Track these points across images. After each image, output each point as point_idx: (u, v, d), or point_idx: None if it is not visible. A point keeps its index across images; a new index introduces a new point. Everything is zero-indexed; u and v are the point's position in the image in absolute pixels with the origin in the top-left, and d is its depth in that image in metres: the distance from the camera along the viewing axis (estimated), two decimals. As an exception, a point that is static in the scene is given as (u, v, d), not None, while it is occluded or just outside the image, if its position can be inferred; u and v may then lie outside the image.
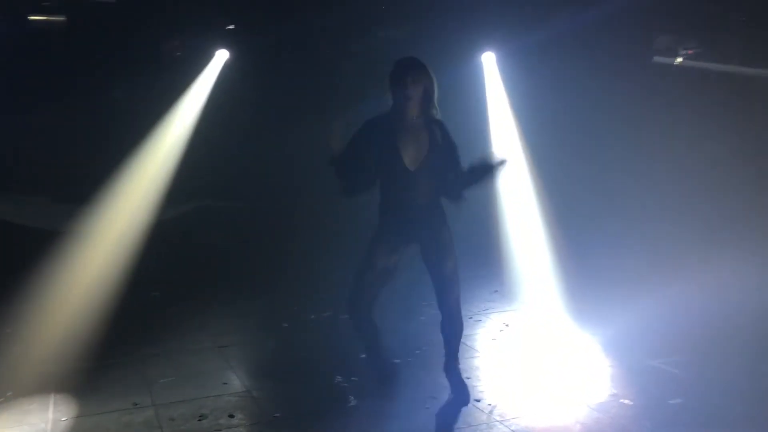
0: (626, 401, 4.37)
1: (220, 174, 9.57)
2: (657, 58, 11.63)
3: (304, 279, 7.83)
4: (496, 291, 7.03)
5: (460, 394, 4.35)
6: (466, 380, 4.74)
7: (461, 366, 4.52)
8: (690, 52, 11.43)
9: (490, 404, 4.37)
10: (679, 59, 11.49)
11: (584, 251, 7.48)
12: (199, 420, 4.23)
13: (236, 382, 4.86)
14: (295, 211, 10.08)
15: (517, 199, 8.80)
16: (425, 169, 4.11)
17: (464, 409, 4.29)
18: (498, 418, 4.17)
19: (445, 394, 4.45)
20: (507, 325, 5.93)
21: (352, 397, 4.51)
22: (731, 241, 8.42)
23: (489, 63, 10.43)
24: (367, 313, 4.35)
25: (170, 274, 7.78)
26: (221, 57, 9.84)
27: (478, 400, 4.42)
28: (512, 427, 4.05)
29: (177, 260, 8.30)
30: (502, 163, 4.11)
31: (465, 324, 5.86)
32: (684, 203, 10.20)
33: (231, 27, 9.29)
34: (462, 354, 5.23)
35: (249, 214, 10.08)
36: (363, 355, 4.67)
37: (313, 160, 9.98)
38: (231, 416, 4.28)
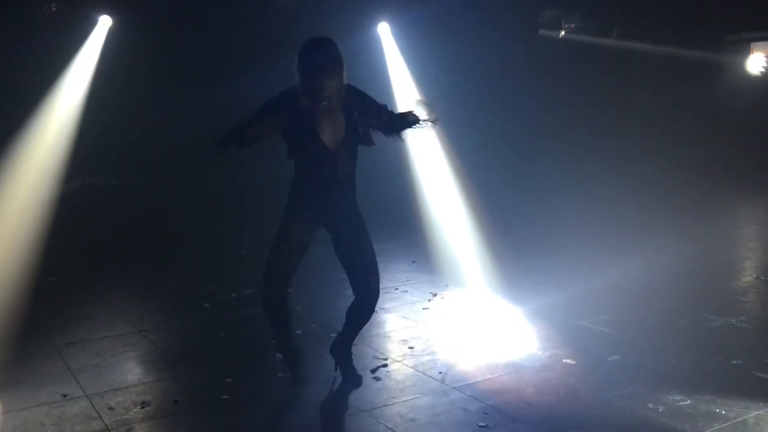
0: (569, 361, 4.50)
1: (106, 151, 9.06)
2: (543, 31, 12.05)
3: (206, 259, 7.59)
4: (413, 262, 7.06)
5: (354, 377, 4.23)
6: (409, 350, 4.76)
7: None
8: (572, 26, 11.91)
9: (440, 372, 4.37)
10: (563, 32, 11.95)
11: (497, 219, 7.67)
12: (142, 407, 3.97)
13: (171, 366, 4.60)
14: (188, 189, 9.74)
15: (429, 169, 8.90)
16: (344, 149, 3.95)
17: (416, 378, 4.27)
18: (452, 385, 4.18)
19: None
20: (434, 295, 5.96)
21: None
22: (626, 208, 8.94)
23: (385, 33, 10.44)
24: (283, 289, 4.09)
25: (66, 257, 7.32)
26: (104, 24, 9.26)
27: (430, 369, 4.42)
28: (467, 392, 4.07)
29: (69, 242, 7.83)
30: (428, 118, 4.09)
31: (392, 295, 5.99)
32: (581, 168, 10.76)
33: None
34: (400, 324, 5.26)
35: (138, 192, 9.64)
36: (273, 341, 4.45)
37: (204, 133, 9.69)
38: (176, 401, 4.04)
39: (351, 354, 4.27)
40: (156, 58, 9.37)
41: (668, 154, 11.75)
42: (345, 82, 3.92)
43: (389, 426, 3.69)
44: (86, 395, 4.13)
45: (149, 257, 7.75)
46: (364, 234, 4.06)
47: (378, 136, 4.11)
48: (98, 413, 3.89)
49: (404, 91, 9.55)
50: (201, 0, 9.67)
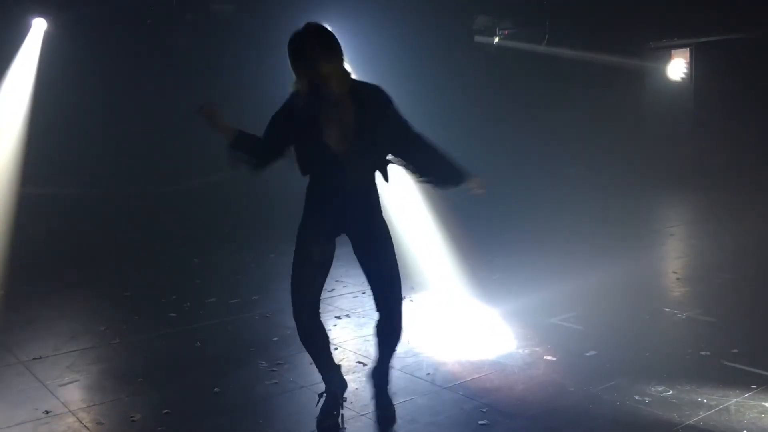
0: (549, 357, 4.63)
1: (47, 159, 8.73)
2: (477, 38, 12.31)
3: (158, 268, 7.44)
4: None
5: (386, 409, 3.84)
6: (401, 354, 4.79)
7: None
8: (506, 32, 12.22)
9: (428, 373, 4.42)
10: (497, 39, 12.25)
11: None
12: (133, 420, 3.86)
13: (152, 377, 4.48)
14: (130, 197, 9.49)
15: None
16: (354, 152, 3.48)
17: (406, 380, 4.31)
18: (442, 385, 4.24)
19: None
20: (411, 300, 5.99)
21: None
22: (564, 212, 9.26)
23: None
24: (315, 316, 3.68)
25: (9, 270, 7.03)
26: (39, 26, 8.95)
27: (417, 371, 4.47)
28: (460, 392, 4.14)
29: (9, 253, 7.52)
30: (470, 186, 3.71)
31: (363, 299, 6.00)
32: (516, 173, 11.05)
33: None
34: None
35: (77, 200, 9.31)
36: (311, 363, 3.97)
37: (154, 140, 9.46)
38: (167, 413, 3.95)
39: (388, 381, 3.87)
40: (93, 61, 9.09)
41: (597, 157, 12.23)
42: (348, 70, 3.42)
43: (392, 428, 3.72)
44: (70, 411, 3.98)
45: (98, 267, 7.51)
46: (385, 246, 3.64)
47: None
48: (88, 429, 3.77)
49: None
50: (138, 2, 9.45)
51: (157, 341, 5.20)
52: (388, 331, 3.76)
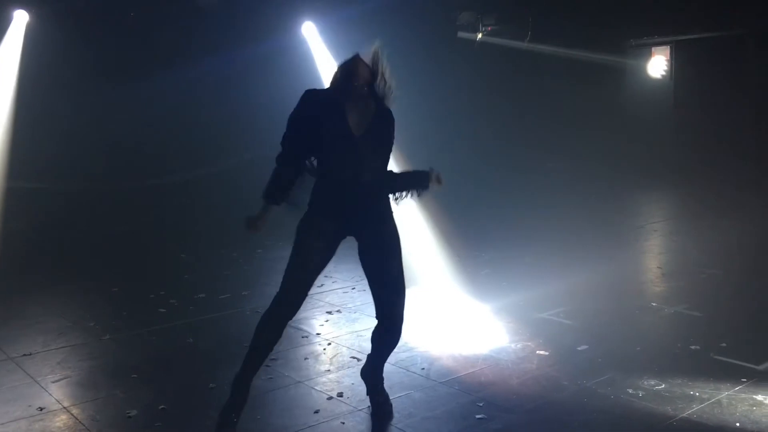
0: (542, 352, 4.68)
1: (32, 153, 8.63)
2: (461, 34, 12.36)
3: (145, 264, 7.39)
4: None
5: (384, 404, 3.86)
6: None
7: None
8: (489, 28, 12.27)
9: (423, 368, 4.45)
10: (480, 35, 12.30)
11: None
12: (129, 417, 3.84)
13: (145, 373, 4.46)
14: (113, 191, 9.43)
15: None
16: (371, 137, 3.55)
17: (401, 375, 4.33)
18: (438, 380, 4.26)
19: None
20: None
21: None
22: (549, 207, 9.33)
23: (311, 33, 10.45)
24: (290, 317, 3.60)
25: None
26: (21, 19, 8.84)
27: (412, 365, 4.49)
28: (455, 386, 4.16)
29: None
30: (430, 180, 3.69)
31: (354, 294, 6.02)
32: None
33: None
34: (370, 323, 5.28)
35: (60, 194, 9.23)
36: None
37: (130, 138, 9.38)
38: (163, 409, 3.93)
39: (382, 379, 3.89)
40: (76, 54, 8.99)
41: (579, 153, 12.34)
42: (387, 80, 3.58)
43: (390, 422, 3.74)
44: (64, 408, 3.95)
45: (84, 262, 7.45)
46: (395, 253, 3.58)
47: None
48: (84, 425, 3.74)
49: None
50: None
51: (148, 337, 5.16)
52: (389, 339, 3.74)
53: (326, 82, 9.51)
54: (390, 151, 3.67)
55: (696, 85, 12.80)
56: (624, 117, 13.55)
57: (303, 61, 10.25)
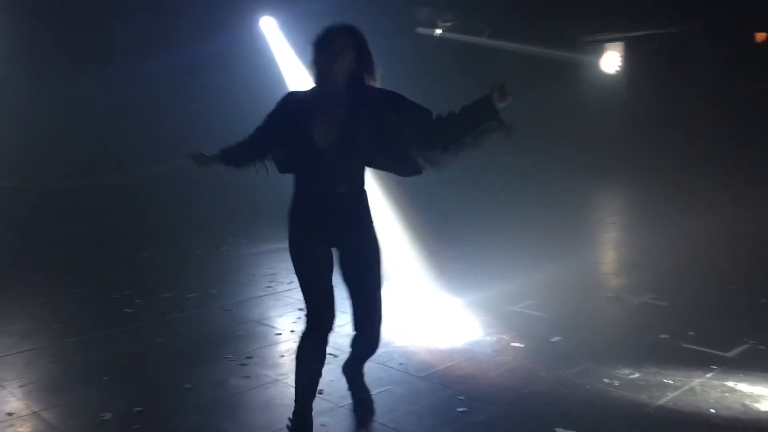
0: (516, 344, 4.72)
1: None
2: (419, 30, 12.39)
3: (106, 263, 7.23)
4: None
5: (365, 399, 3.83)
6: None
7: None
8: (447, 24, 12.33)
9: (401, 363, 4.44)
10: (439, 31, 12.34)
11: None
12: (103, 419, 3.74)
13: (116, 375, 4.35)
14: (71, 189, 9.19)
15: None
16: (341, 148, 3.24)
17: (380, 371, 4.31)
18: (416, 374, 4.27)
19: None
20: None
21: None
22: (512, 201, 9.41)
23: (270, 27, 10.36)
24: (330, 331, 3.46)
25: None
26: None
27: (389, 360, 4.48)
28: (435, 380, 4.17)
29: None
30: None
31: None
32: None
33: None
34: (342, 318, 5.27)
35: (23, 194, 8.95)
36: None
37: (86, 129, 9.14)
38: (139, 411, 3.84)
39: (363, 375, 3.81)
40: (33, 49, 8.75)
41: (535, 148, 12.48)
42: (372, 64, 3.29)
43: (373, 418, 3.72)
44: (35, 412, 3.84)
45: (43, 263, 7.24)
46: (374, 266, 3.39)
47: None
48: (58, 430, 3.63)
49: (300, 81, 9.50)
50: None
51: (116, 338, 5.05)
52: (368, 349, 3.65)
53: (285, 78, 9.30)
54: (384, 134, 3.28)
55: (649, 80, 13.08)
56: (581, 112, 13.77)
57: (260, 57, 10.14)
